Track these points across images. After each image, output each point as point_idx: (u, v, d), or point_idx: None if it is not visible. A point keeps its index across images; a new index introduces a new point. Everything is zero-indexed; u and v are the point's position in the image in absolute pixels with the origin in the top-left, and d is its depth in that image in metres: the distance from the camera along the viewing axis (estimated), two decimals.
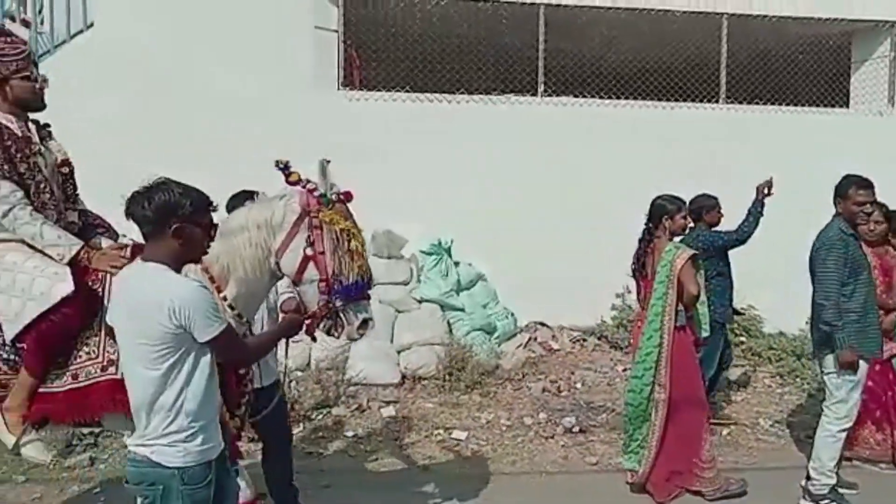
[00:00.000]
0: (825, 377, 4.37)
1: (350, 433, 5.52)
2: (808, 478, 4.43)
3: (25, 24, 7.66)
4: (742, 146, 7.95)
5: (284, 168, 2.99)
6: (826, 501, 4.35)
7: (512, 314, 7.29)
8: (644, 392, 4.33)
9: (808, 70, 8.68)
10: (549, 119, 7.84)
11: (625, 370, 6.82)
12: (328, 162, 2.96)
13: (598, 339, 7.43)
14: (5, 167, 3.01)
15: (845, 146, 8.01)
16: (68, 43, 7.00)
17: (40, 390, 2.96)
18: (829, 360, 4.28)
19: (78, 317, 2.94)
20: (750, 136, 8.04)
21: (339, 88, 7.66)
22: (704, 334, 4.54)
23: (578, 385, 6.47)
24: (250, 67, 7.17)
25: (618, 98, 8.08)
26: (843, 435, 4.34)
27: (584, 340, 7.41)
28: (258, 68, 7.18)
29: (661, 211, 4.41)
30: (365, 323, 3.00)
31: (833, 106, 8.60)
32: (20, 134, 3.12)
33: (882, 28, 8.52)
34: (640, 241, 4.56)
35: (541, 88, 7.99)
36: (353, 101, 7.59)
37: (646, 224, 4.52)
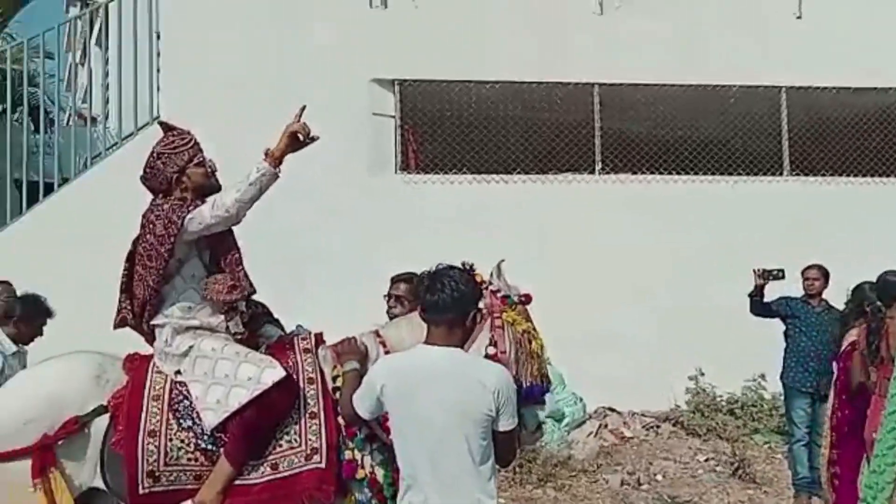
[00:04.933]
0: None
1: None
2: None
3: (93, 120, 7.91)
4: (809, 218, 7.71)
5: (469, 269, 2.93)
6: None
7: (581, 399, 6.96)
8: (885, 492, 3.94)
9: (869, 140, 8.48)
10: (607, 196, 7.73)
11: (706, 460, 6.41)
12: (503, 262, 2.95)
13: (673, 425, 7.04)
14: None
15: None
16: (135, 136, 7.14)
17: (234, 482, 2.81)
18: None
19: (285, 404, 2.85)
20: (816, 208, 7.80)
21: (396, 172, 7.68)
22: None
23: (659, 477, 6.08)
24: (309, 155, 7.22)
25: (678, 174, 7.94)
26: None
27: (658, 427, 7.02)
28: (317, 155, 7.22)
29: (894, 290, 4.06)
30: (539, 427, 2.92)
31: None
32: None
33: None
34: (869, 322, 4.12)
35: (598, 166, 7.91)
36: (411, 185, 7.59)
37: (874, 304, 4.13)
